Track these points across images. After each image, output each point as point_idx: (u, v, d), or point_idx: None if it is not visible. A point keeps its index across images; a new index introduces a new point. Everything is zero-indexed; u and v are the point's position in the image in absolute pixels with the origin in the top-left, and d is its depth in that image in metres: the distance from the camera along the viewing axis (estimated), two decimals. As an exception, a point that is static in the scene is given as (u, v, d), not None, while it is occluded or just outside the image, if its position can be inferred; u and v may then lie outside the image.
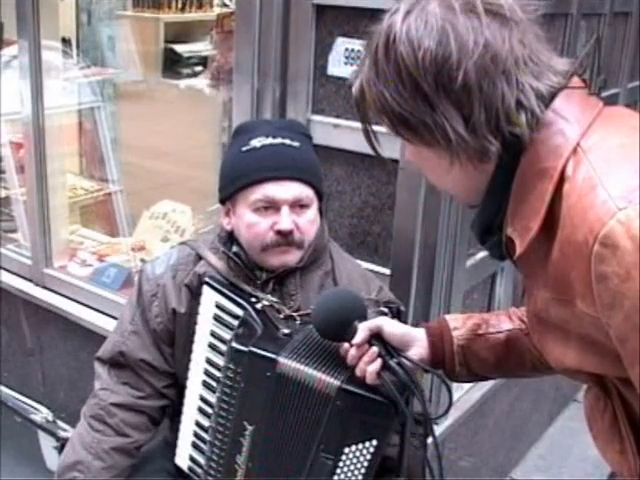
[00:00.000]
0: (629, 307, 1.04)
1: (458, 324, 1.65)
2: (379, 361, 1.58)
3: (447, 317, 1.69)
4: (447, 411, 1.65)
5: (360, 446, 1.70)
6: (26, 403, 3.56)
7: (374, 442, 1.69)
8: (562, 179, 1.14)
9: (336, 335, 1.65)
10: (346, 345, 1.63)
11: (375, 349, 1.58)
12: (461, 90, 1.14)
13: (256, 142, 1.91)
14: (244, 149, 1.92)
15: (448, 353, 1.64)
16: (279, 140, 1.92)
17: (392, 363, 1.58)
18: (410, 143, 1.27)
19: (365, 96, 1.25)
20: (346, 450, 1.71)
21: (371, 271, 2.30)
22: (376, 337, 1.59)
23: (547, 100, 1.18)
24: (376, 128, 2.39)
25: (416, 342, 1.63)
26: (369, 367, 1.58)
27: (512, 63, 1.15)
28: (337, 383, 1.68)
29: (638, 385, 1.11)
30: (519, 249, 1.21)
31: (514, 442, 3.55)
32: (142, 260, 3.44)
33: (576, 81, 1.22)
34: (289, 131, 1.98)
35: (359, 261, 2.36)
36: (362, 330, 1.57)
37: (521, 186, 1.19)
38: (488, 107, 1.15)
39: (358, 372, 1.60)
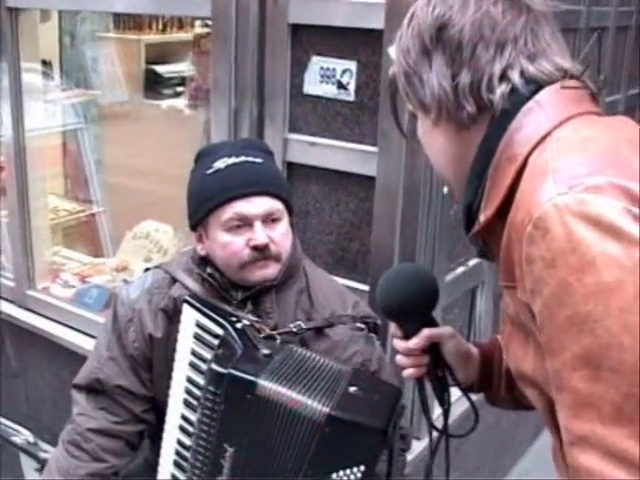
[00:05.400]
0: (547, 295, 1.01)
1: None
2: (422, 369, 1.51)
3: (498, 337, 1.60)
4: (471, 431, 1.60)
5: (348, 471, 1.68)
6: (7, 425, 3.55)
7: (362, 467, 1.68)
8: (525, 165, 1.14)
9: (395, 316, 1.53)
10: (395, 330, 1.53)
11: (426, 360, 1.51)
12: (455, 47, 1.19)
13: (220, 163, 1.92)
14: (209, 172, 1.92)
15: (496, 375, 1.59)
16: (242, 158, 1.93)
17: (433, 376, 1.52)
18: (414, 108, 1.30)
19: (395, 67, 1.31)
20: (334, 476, 1.69)
21: (350, 288, 2.30)
22: (433, 346, 1.51)
23: (534, 85, 1.18)
24: (355, 146, 2.43)
25: (470, 364, 1.57)
26: (410, 369, 1.51)
27: (510, 38, 1.18)
28: (326, 410, 1.67)
29: (551, 379, 1.07)
30: (477, 227, 1.22)
31: (499, 456, 3.55)
32: (124, 280, 3.45)
33: (575, 84, 1.21)
34: (250, 149, 1.99)
35: (338, 278, 2.37)
36: (423, 337, 1.49)
37: (494, 172, 1.19)
38: (475, 70, 1.18)
39: (397, 362, 1.54)
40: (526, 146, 1.15)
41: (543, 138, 1.14)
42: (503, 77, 1.18)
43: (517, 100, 1.18)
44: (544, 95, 1.18)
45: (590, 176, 1.01)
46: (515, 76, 1.17)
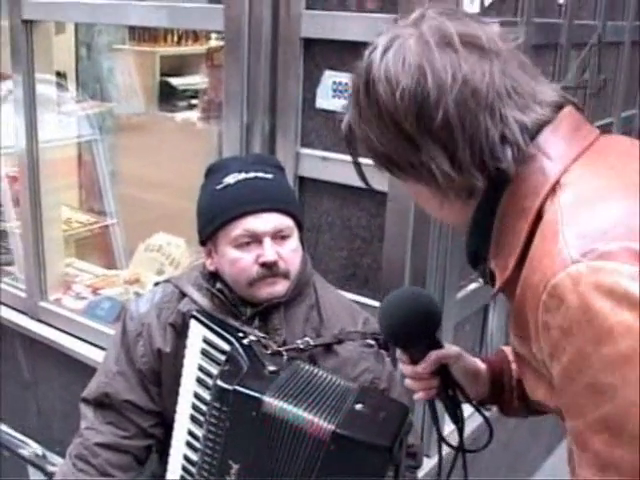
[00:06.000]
0: (566, 362, 1.03)
1: None
2: (433, 391, 1.51)
3: (505, 349, 1.62)
4: (486, 445, 1.59)
5: None
6: (15, 437, 3.55)
7: None
8: (539, 218, 1.12)
9: (400, 341, 1.51)
10: (400, 355, 1.51)
11: (436, 382, 1.50)
12: (443, 128, 1.11)
13: (230, 179, 1.91)
14: (218, 187, 1.92)
15: (507, 388, 1.58)
16: (252, 174, 1.92)
17: (444, 396, 1.51)
18: (401, 180, 1.25)
19: (354, 133, 1.24)
20: None
21: (361, 303, 2.29)
22: (441, 367, 1.50)
23: (533, 133, 1.14)
24: (367, 161, 2.42)
25: (480, 379, 1.57)
26: (420, 393, 1.51)
27: (494, 96, 1.12)
28: (331, 427, 1.67)
29: (570, 434, 1.10)
30: (497, 285, 1.20)
31: (511, 474, 3.52)
32: (136, 293, 3.44)
33: (568, 111, 1.19)
34: (261, 164, 1.99)
35: (349, 294, 2.36)
36: (431, 361, 1.47)
37: (502, 223, 1.18)
38: (472, 143, 1.12)
39: (407, 387, 1.54)
40: (536, 198, 1.13)
41: (552, 188, 1.12)
42: (503, 140, 1.12)
43: (521, 155, 1.14)
44: (543, 139, 1.15)
45: (603, 241, 1.01)
46: (515, 135, 1.13)
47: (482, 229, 1.21)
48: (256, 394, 1.71)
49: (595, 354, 0.99)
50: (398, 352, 1.51)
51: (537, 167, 1.14)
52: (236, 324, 1.91)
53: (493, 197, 1.18)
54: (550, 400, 1.19)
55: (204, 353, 1.86)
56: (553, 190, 1.11)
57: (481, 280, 2.76)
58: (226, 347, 1.84)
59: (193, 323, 1.89)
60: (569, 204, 1.08)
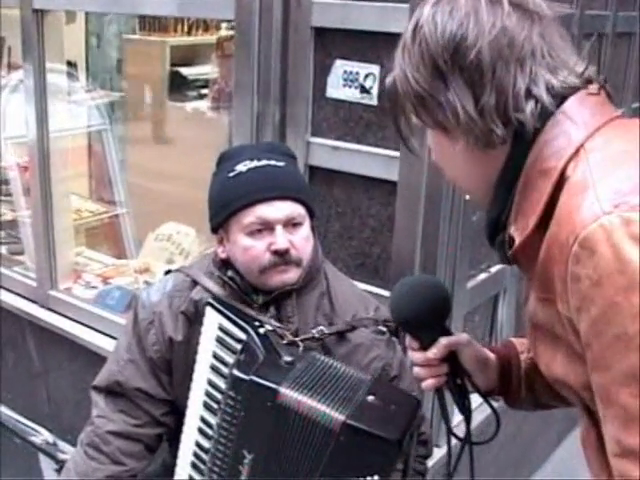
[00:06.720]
0: (595, 314, 1.03)
1: (524, 347, 1.60)
2: (442, 379, 1.50)
3: (514, 340, 1.63)
4: (494, 437, 1.59)
5: None
6: (26, 425, 3.56)
7: (375, 477, 1.66)
8: (563, 179, 1.14)
9: (411, 327, 1.51)
10: (410, 342, 1.51)
11: (445, 369, 1.50)
12: (474, 69, 1.16)
13: (241, 166, 1.91)
14: (230, 175, 1.91)
15: (515, 378, 1.58)
16: (264, 162, 1.92)
17: (452, 385, 1.50)
18: (429, 127, 1.28)
19: (397, 84, 1.27)
20: None
21: (371, 293, 2.29)
22: (451, 354, 1.50)
23: (559, 98, 1.18)
24: (377, 150, 2.42)
25: (489, 368, 1.57)
26: (429, 380, 1.50)
27: (528, 52, 1.17)
28: (341, 418, 1.66)
29: (595, 391, 1.10)
30: (516, 244, 1.21)
31: (520, 465, 3.52)
32: (146, 282, 3.45)
33: (595, 87, 1.21)
34: (272, 152, 1.98)
35: (359, 283, 2.35)
36: (442, 347, 1.47)
37: (525, 185, 1.20)
38: (499, 90, 1.16)
39: (415, 375, 1.53)
40: (560, 159, 1.15)
41: (576, 151, 1.14)
42: (529, 94, 1.17)
43: (543, 113, 1.17)
44: (569, 106, 1.18)
45: (634, 194, 1.03)
46: (540, 92, 1.17)
47: (505, 193, 1.23)
48: (272, 385, 1.70)
49: (624, 302, 0.99)
50: (408, 338, 1.51)
51: (561, 130, 1.17)
52: (252, 313, 1.91)
53: (517, 160, 1.21)
54: (567, 371, 1.19)
55: (219, 341, 1.85)
56: (577, 153, 1.14)
57: (491, 270, 2.76)
58: (242, 336, 1.83)
59: (209, 310, 1.88)
60: (597, 164, 1.10)
